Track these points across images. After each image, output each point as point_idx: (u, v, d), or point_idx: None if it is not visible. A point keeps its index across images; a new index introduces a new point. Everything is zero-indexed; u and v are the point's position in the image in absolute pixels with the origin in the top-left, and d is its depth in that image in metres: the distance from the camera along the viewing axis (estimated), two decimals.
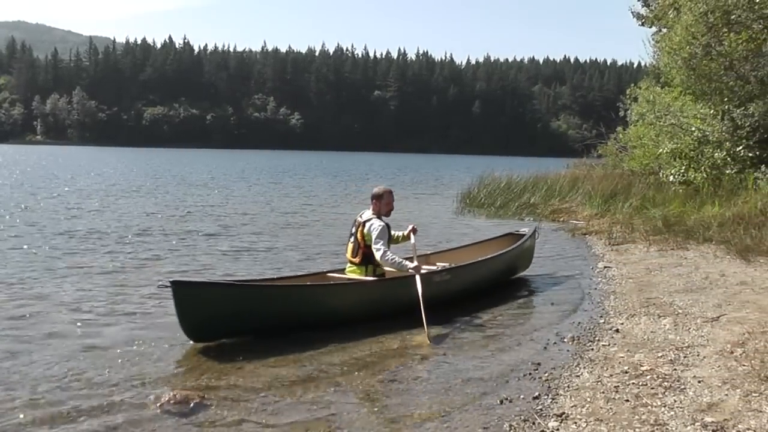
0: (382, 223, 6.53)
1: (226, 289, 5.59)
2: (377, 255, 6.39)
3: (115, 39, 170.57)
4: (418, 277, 6.20)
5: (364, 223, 6.56)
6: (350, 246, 6.69)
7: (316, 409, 4.08)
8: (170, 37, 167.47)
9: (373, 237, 6.41)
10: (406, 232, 7.11)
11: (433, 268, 7.37)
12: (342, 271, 6.82)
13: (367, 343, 5.47)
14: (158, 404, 4.05)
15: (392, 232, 6.83)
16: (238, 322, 5.47)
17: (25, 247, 9.88)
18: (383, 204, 6.70)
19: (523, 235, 8.91)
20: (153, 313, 6.28)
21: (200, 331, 5.34)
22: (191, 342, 5.34)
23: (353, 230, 6.68)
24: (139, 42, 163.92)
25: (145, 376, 4.58)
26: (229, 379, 4.62)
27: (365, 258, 6.52)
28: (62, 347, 5.18)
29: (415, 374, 4.82)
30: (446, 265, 7.55)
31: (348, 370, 4.83)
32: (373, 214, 6.66)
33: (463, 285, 7.22)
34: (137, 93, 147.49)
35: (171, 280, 5.22)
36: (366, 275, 6.56)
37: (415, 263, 6.49)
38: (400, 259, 6.45)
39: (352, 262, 6.67)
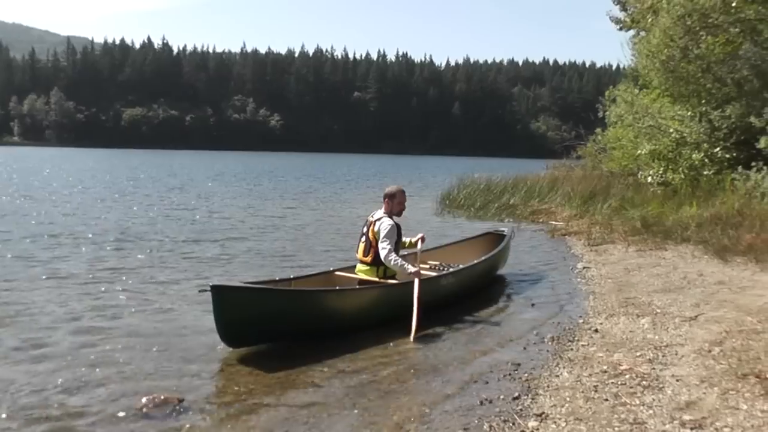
0: (392, 223, 6.57)
1: (268, 293, 5.48)
2: (381, 253, 6.41)
3: (93, 39, 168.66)
4: (416, 282, 6.20)
5: (375, 222, 6.58)
6: (361, 245, 6.68)
7: (296, 411, 4.06)
8: (149, 38, 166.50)
9: (381, 235, 6.44)
10: (414, 240, 7.16)
11: (426, 266, 7.46)
12: (350, 269, 6.82)
13: (349, 344, 5.44)
14: (137, 408, 4.01)
15: (403, 237, 6.86)
16: (277, 326, 5.36)
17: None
18: (395, 203, 6.74)
19: (502, 233, 9.23)
20: (132, 320, 6.18)
21: (239, 337, 5.19)
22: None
23: (364, 229, 6.70)
24: (117, 42, 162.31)
25: (124, 380, 4.53)
26: (208, 383, 4.59)
27: (377, 258, 6.51)
28: (40, 353, 5.10)
29: (395, 375, 4.80)
30: (436, 263, 7.77)
31: (329, 372, 4.81)
32: (384, 213, 6.69)
33: (462, 285, 7.31)
34: (116, 94, 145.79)
35: (211, 284, 5.02)
36: (377, 276, 6.55)
37: (417, 268, 6.51)
38: (403, 262, 6.45)
39: (363, 262, 6.66)
